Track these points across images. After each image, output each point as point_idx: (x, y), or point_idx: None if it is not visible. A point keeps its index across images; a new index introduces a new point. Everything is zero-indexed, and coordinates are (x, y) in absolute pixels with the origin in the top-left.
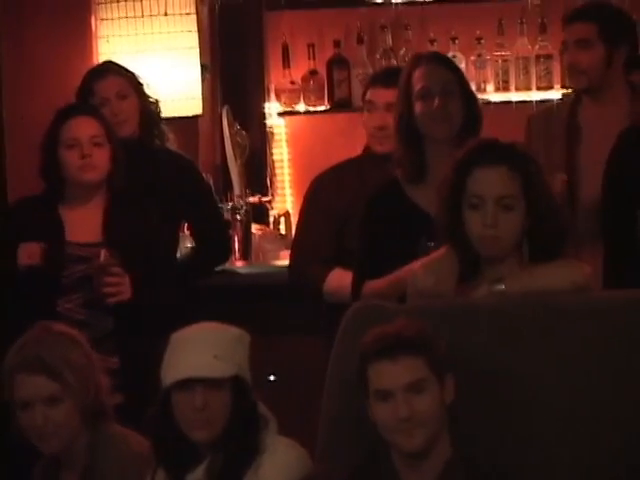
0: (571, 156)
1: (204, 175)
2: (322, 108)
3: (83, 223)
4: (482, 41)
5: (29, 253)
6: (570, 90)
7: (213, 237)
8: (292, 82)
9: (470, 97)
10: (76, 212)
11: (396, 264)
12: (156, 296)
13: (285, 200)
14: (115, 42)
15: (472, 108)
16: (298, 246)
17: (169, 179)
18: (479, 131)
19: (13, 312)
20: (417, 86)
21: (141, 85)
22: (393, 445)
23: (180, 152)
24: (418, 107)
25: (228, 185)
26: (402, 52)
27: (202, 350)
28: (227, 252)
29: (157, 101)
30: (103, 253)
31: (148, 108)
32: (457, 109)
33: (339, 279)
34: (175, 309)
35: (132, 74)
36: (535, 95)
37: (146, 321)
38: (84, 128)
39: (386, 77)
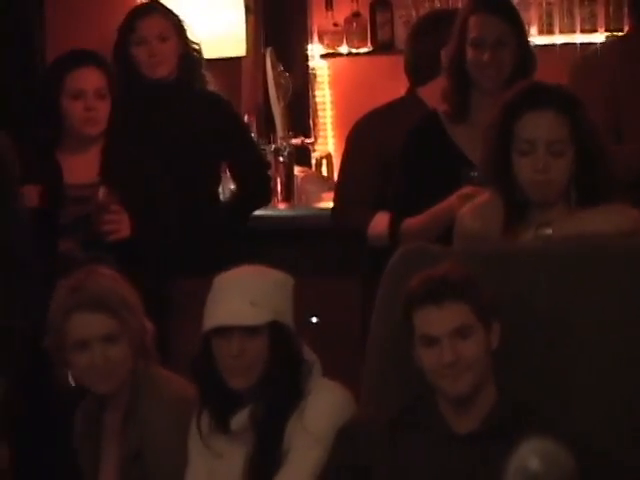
0: None
1: (245, 116)
2: (364, 50)
3: (80, 166)
4: None
5: (27, 196)
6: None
7: (251, 178)
8: (335, 24)
9: (525, 47)
10: (73, 157)
11: (433, 200)
12: (158, 233)
13: (327, 142)
14: None
15: (525, 58)
16: (341, 190)
17: (204, 119)
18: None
19: None
20: (471, 34)
21: (184, 29)
22: (439, 390)
23: (216, 92)
24: (470, 54)
25: (271, 127)
26: None
27: (239, 296)
28: (267, 194)
29: (199, 45)
30: (102, 190)
31: (189, 52)
32: (508, 60)
33: (384, 222)
34: (180, 247)
35: (176, 17)
36: (579, 38)
37: (147, 258)
38: (90, 79)
39: None
